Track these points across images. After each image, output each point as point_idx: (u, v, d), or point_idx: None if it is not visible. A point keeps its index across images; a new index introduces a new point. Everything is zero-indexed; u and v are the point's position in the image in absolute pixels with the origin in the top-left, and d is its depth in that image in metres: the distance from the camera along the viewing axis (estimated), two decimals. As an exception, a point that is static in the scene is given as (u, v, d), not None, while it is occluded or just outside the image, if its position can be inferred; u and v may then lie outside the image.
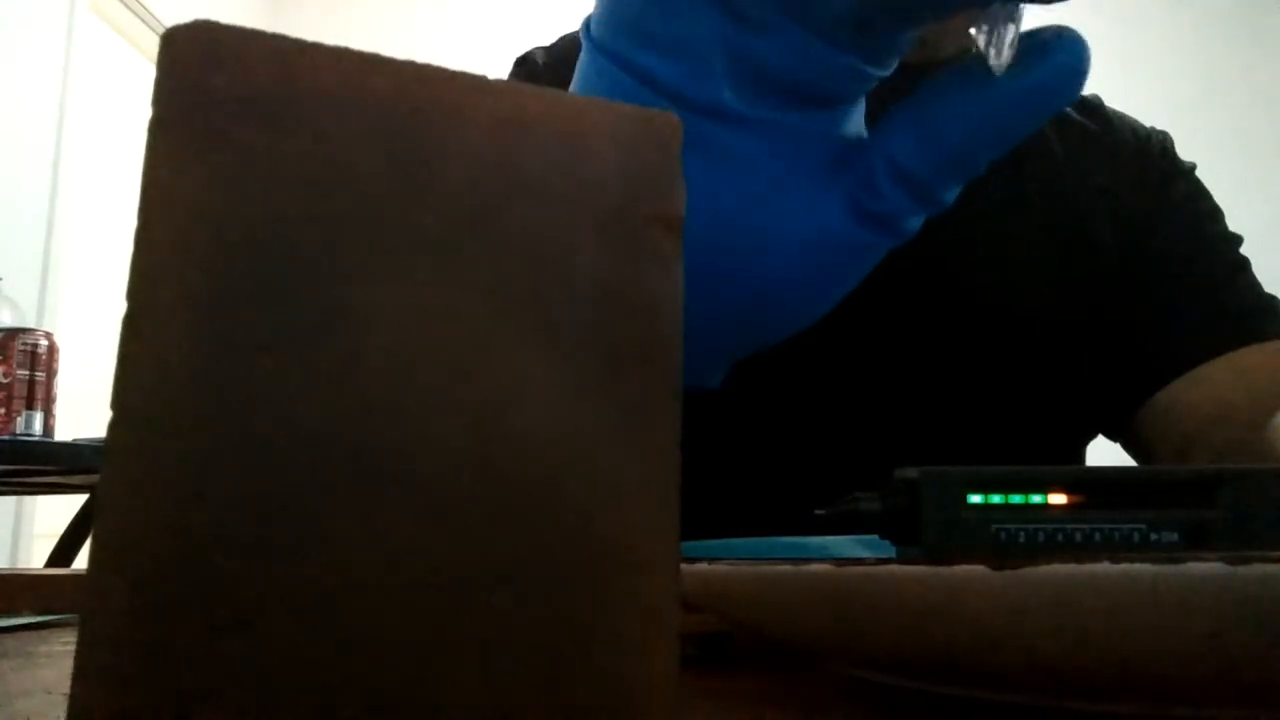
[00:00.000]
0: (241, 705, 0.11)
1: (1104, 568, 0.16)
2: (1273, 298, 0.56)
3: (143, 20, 2.95)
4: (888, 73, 0.25)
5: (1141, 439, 0.56)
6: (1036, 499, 0.24)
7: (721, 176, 0.25)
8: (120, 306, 0.12)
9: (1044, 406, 0.55)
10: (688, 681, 0.24)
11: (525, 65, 0.60)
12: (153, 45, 2.90)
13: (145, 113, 0.13)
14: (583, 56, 0.27)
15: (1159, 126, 0.61)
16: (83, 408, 1.84)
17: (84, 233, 2.71)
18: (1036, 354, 0.54)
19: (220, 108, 0.13)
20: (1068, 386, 0.55)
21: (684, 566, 0.22)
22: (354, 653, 0.12)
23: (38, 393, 1.41)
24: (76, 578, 0.42)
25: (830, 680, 0.25)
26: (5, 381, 1.38)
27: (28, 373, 1.40)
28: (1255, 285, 0.56)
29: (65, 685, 0.23)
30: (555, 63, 0.59)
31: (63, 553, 1.51)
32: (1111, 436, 0.59)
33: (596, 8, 0.27)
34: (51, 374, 1.44)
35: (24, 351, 1.40)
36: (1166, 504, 0.24)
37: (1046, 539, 0.24)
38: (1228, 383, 0.52)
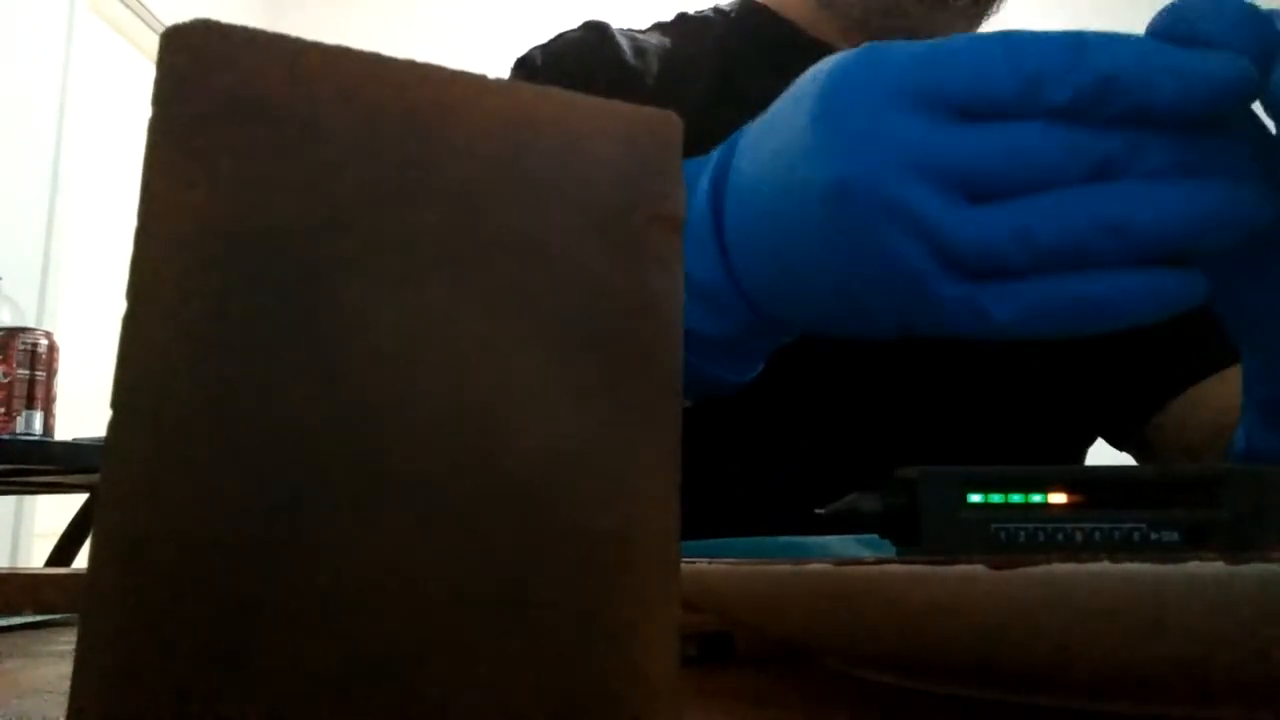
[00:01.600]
0: (241, 705, 0.11)
1: (1104, 567, 0.16)
2: None
3: (143, 20, 2.95)
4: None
5: (1151, 448, 0.57)
6: (1036, 499, 0.24)
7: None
8: (120, 306, 0.12)
9: (1048, 421, 0.55)
10: (688, 681, 0.24)
11: (525, 67, 0.60)
12: (153, 45, 2.90)
13: (145, 112, 0.13)
14: None
15: None
16: (83, 408, 1.84)
17: (84, 233, 2.71)
18: (1042, 367, 0.54)
19: (220, 107, 0.13)
20: (1072, 402, 0.55)
21: (684, 566, 0.22)
22: (354, 652, 0.12)
23: (38, 392, 1.41)
24: (76, 578, 0.42)
25: (830, 680, 0.25)
26: (5, 381, 1.38)
27: (28, 372, 1.40)
28: None
29: (65, 685, 0.23)
30: (552, 62, 0.59)
31: (63, 553, 1.51)
32: (1119, 448, 0.59)
33: None
34: (51, 374, 1.44)
35: (24, 351, 1.40)
36: (1166, 504, 0.24)
37: (1046, 539, 0.24)
38: (1230, 396, 0.53)
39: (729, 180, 0.32)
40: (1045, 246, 0.25)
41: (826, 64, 0.29)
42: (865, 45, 0.28)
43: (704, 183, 0.33)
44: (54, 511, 2.24)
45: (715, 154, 0.34)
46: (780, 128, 0.30)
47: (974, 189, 0.26)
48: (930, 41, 0.27)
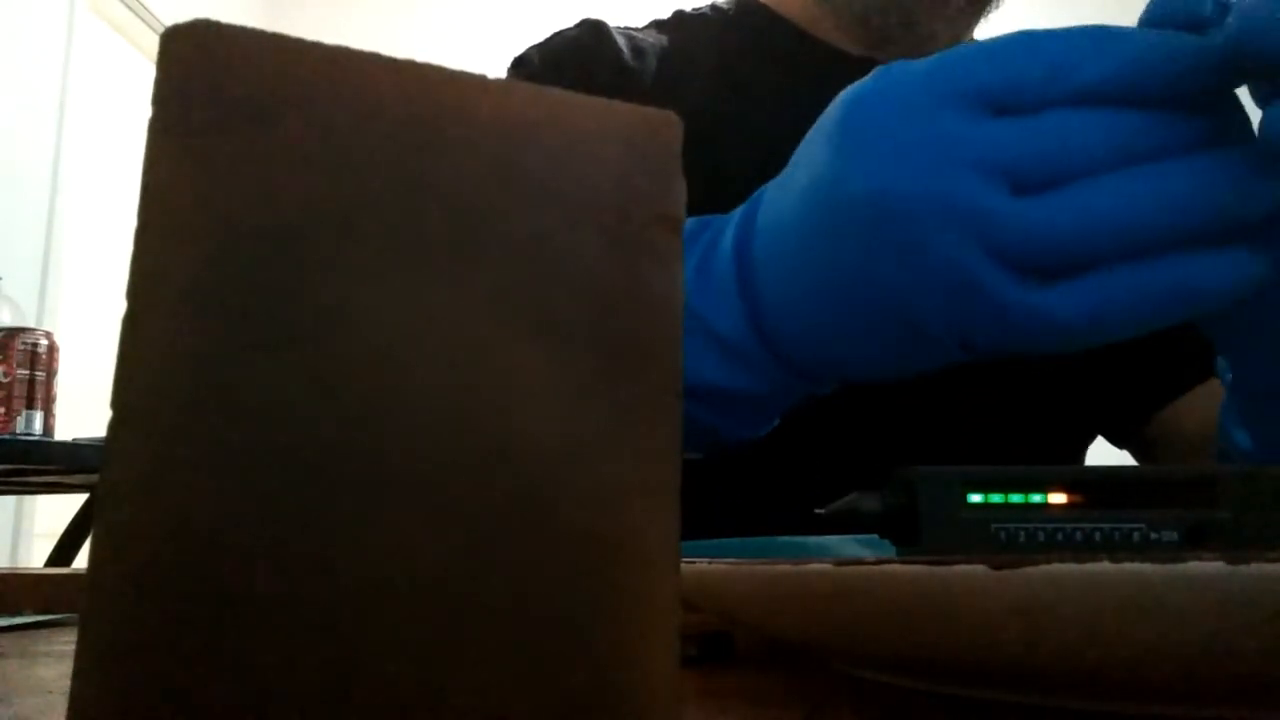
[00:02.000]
0: (242, 706, 0.11)
1: (1104, 567, 0.16)
2: None
3: (143, 20, 2.95)
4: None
5: (1151, 447, 0.57)
6: (1036, 499, 0.24)
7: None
8: (120, 306, 0.12)
9: (1049, 420, 0.55)
10: (688, 681, 0.24)
11: (522, 67, 0.59)
12: (153, 45, 2.90)
13: (145, 112, 0.13)
14: None
15: None
16: (83, 408, 1.84)
17: (84, 233, 2.71)
18: (1043, 366, 0.54)
19: (220, 107, 0.13)
20: (1073, 401, 0.55)
21: (684, 566, 0.22)
22: (354, 653, 0.12)
23: (38, 392, 1.41)
24: (76, 578, 0.42)
25: (830, 680, 0.25)
26: (5, 381, 1.38)
27: (28, 372, 1.40)
28: None
29: (65, 685, 0.23)
30: (549, 62, 0.59)
31: (63, 553, 1.51)
32: (1119, 446, 0.59)
33: None
34: (51, 374, 1.44)
35: (24, 351, 1.40)
36: (1166, 504, 0.24)
37: (1046, 539, 0.24)
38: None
39: (756, 232, 0.31)
40: (1110, 230, 0.24)
41: (841, 95, 0.28)
42: (875, 70, 0.27)
43: (728, 239, 0.32)
44: (54, 511, 2.24)
45: (737, 212, 0.33)
46: (805, 166, 0.29)
47: (1020, 181, 0.25)
48: (943, 51, 0.26)
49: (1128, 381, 0.56)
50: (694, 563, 0.22)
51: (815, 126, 0.29)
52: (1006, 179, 0.25)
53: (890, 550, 0.26)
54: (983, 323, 0.26)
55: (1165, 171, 0.24)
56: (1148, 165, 0.24)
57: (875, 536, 0.26)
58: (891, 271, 0.26)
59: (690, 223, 0.33)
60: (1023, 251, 0.24)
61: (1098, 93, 0.25)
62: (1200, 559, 0.15)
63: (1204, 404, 0.53)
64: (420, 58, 0.14)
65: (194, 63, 0.13)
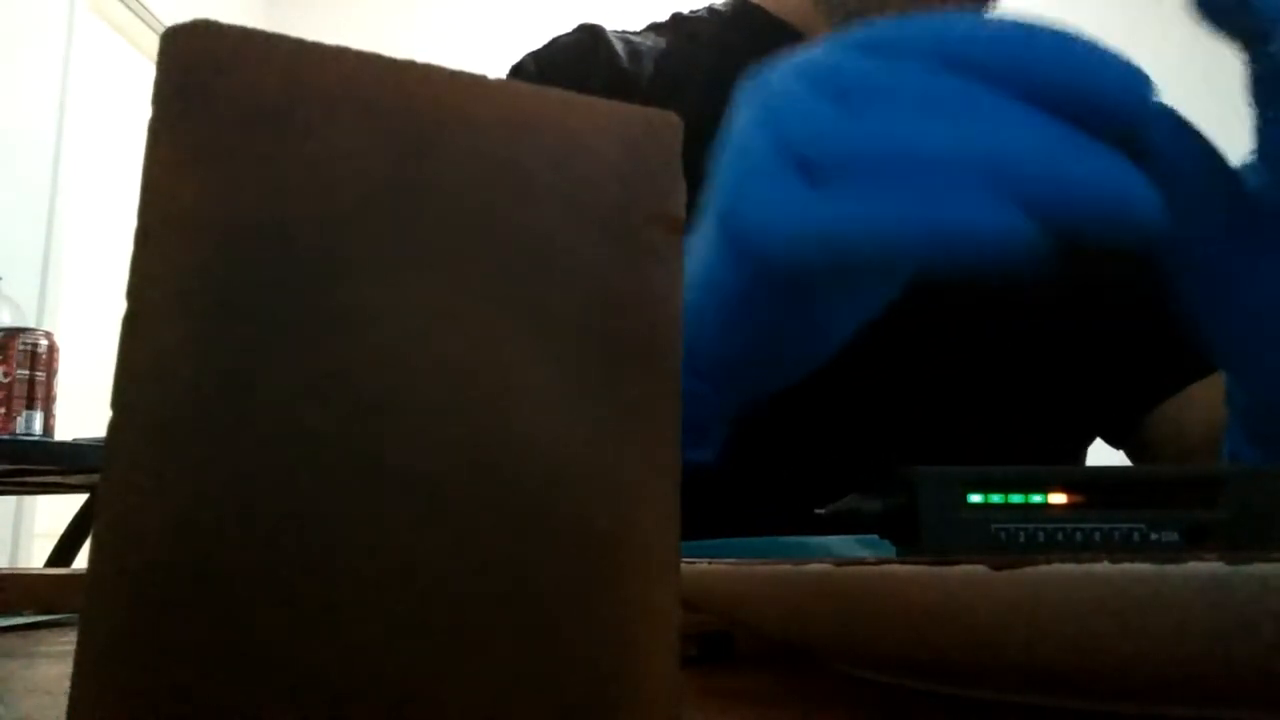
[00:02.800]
0: (242, 705, 0.11)
1: (1104, 568, 0.16)
2: None
3: (143, 20, 2.95)
4: None
5: (1148, 447, 0.57)
6: (1036, 499, 0.24)
7: None
8: (120, 306, 0.12)
9: (1046, 420, 0.55)
10: (688, 681, 0.24)
11: (519, 75, 0.60)
12: (153, 45, 2.90)
13: (145, 112, 0.13)
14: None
15: None
16: (83, 408, 1.84)
17: (84, 233, 2.71)
18: (1039, 366, 0.54)
19: (220, 107, 0.13)
20: (1070, 401, 0.55)
21: (684, 566, 0.22)
22: (354, 653, 0.12)
23: (38, 393, 1.41)
24: (76, 578, 0.42)
25: (830, 680, 0.25)
26: (5, 381, 1.38)
27: (28, 373, 1.40)
28: None
29: (65, 685, 0.23)
30: (545, 68, 0.59)
31: (63, 553, 1.51)
32: (1116, 446, 0.59)
33: None
34: (51, 374, 1.44)
35: (24, 351, 1.40)
36: (1166, 504, 0.24)
37: (1046, 539, 0.24)
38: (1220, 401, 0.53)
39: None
40: (899, 149, 0.23)
41: None
42: None
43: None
44: (54, 511, 2.24)
45: None
46: None
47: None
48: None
49: (1124, 381, 0.56)
50: (694, 563, 0.22)
51: None
52: (841, 97, 0.25)
53: (890, 550, 0.26)
54: (751, 201, 0.26)
55: (997, 127, 0.23)
56: (986, 120, 0.23)
57: (875, 536, 0.26)
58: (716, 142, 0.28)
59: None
60: (814, 148, 0.25)
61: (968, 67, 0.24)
62: (1200, 559, 0.15)
63: (1200, 404, 0.53)
64: (420, 58, 0.14)
65: (194, 63, 0.13)
